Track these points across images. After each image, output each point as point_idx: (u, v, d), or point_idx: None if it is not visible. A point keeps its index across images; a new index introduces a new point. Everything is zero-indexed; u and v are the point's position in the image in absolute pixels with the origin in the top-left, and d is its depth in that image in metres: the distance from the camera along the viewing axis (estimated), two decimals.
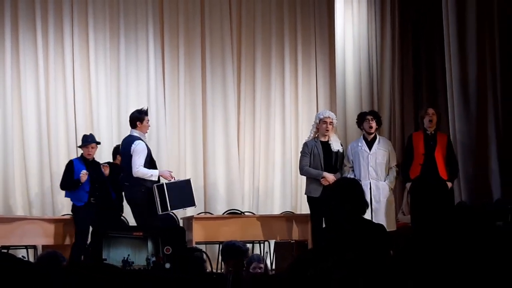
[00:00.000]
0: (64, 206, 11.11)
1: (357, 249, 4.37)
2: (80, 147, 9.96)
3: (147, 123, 9.43)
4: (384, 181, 9.61)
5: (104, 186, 9.72)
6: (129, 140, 9.30)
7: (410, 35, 12.01)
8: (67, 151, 11.34)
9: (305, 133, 11.54)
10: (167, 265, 4.77)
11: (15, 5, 11.33)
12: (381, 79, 12.35)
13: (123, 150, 9.40)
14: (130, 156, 9.14)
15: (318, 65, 12.48)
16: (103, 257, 4.76)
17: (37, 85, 11.31)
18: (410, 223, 8.73)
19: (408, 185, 9.54)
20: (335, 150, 9.67)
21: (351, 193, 4.99)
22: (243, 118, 12.19)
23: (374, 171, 9.59)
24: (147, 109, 9.64)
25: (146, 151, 9.21)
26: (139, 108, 9.55)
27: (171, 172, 9.46)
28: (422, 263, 4.10)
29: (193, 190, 9.49)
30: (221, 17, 12.09)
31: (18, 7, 11.33)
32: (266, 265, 6.88)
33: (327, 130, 9.66)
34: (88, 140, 9.80)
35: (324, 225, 9.50)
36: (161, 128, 11.74)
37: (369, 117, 9.68)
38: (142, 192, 9.12)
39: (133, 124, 9.36)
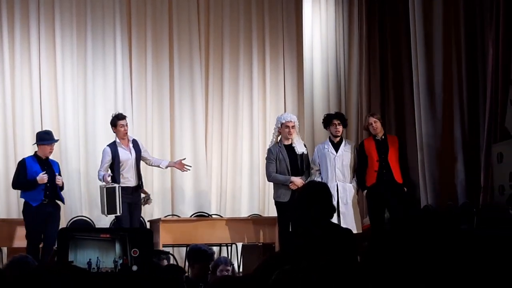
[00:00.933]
0: None
1: (326, 255, 4.39)
2: (38, 144, 9.55)
3: (121, 127, 9.62)
4: (350, 183, 9.66)
5: (54, 186, 9.46)
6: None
7: (377, 37, 12.04)
8: (32, 151, 11.02)
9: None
10: (134, 268, 4.68)
11: None
12: (348, 81, 12.42)
13: None
14: None
15: (286, 67, 12.48)
16: (70, 260, 4.70)
17: (3, 87, 11.20)
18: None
19: (365, 192, 9.60)
20: (299, 153, 9.66)
21: (319, 197, 4.98)
22: (211, 121, 12.16)
23: (341, 173, 9.63)
24: (119, 113, 9.85)
25: (106, 156, 9.61)
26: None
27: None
28: (384, 268, 4.09)
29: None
30: (189, 19, 12.04)
31: None
32: (233, 267, 6.97)
33: (290, 134, 9.64)
34: (51, 139, 9.55)
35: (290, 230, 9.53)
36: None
37: (336, 122, 9.69)
38: None
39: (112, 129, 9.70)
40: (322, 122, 9.95)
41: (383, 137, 9.67)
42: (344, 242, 4.85)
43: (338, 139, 9.75)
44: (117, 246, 4.72)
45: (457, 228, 7.49)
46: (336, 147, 9.72)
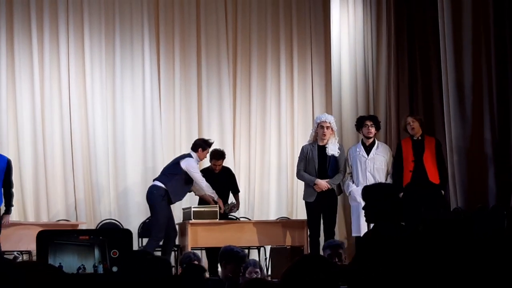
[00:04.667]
0: (59, 211, 11.14)
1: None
2: None
3: (207, 154, 10.24)
4: None
5: None
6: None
7: (405, 38, 11.95)
8: (62, 156, 11.33)
9: (301, 138, 11.65)
10: (114, 269, 4.74)
11: (10, 12, 11.30)
12: (376, 84, 12.27)
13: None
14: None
15: (314, 68, 12.48)
16: (52, 264, 4.64)
17: (32, 91, 11.28)
18: None
19: (401, 195, 9.47)
20: (329, 154, 9.68)
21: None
22: (239, 124, 12.19)
23: (372, 177, 9.64)
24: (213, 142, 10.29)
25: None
26: (207, 138, 10.41)
27: None
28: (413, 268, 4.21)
29: None
30: (217, 25, 12.09)
31: (13, 13, 11.29)
32: (262, 270, 6.89)
33: (324, 135, 9.68)
34: None
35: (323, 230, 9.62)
36: (157, 133, 11.74)
37: (369, 123, 9.69)
38: None
39: (194, 148, 10.18)
40: (355, 125, 10.00)
41: (420, 137, 9.65)
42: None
43: (370, 141, 9.75)
44: (96, 251, 4.77)
45: (485, 232, 7.97)
46: (368, 150, 9.72)
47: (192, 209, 9.96)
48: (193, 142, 10.31)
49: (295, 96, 12.39)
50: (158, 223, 9.84)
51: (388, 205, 4.87)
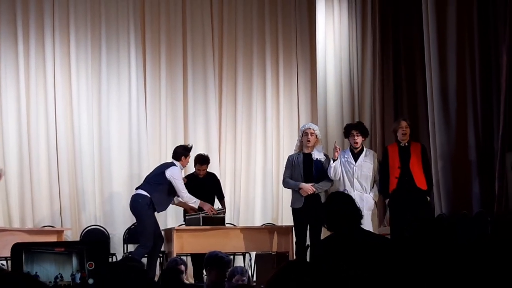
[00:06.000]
0: (44, 217, 11.11)
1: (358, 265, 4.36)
2: None
3: (189, 159, 10.06)
4: (369, 193, 9.61)
5: None
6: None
7: (390, 44, 11.93)
8: (47, 161, 11.28)
9: (287, 144, 11.69)
10: (90, 281, 4.75)
11: None
12: (361, 90, 12.31)
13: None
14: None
15: (299, 77, 12.49)
16: (27, 273, 4.66)
17: (18, 97, 11.22)
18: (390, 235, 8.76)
19: (387, 201, 9.58)
20: (315, 159, 9.70)
21: (344, 206, 5.06)
22: (225, 130, 12.18)
23: (359, 183, 9.61)
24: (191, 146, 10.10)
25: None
26: (186, 144, 10.24)
27: None
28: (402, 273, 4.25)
29: None
30: (203, 32, 12.08)
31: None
32: (249, 277, 6.94)
33: (308, 141, 9.68)
34: None
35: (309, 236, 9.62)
36: (142, 139, 11.71)
37: (354, 132, 9.66)
38: None
39: (176, 157, 9.95)
40: (343, 132, 9.97)
41: (406, 143, 9.58)
42: (378, 252, 4.80)
43: (359, 148, 9.73)
44: (74, 259, 4.76)
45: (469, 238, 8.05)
46: (356, 156, 9.70)
47: (201, 216, 9.94)
48: (173, 151, 10.19)
49: (280, 102, 12.41)
50: (146, 231, 9.75)
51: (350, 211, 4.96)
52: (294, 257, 9.74)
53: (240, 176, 12.10)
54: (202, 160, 10.53)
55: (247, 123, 12.25)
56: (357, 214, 5.02)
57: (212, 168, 10.95)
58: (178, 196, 9.99)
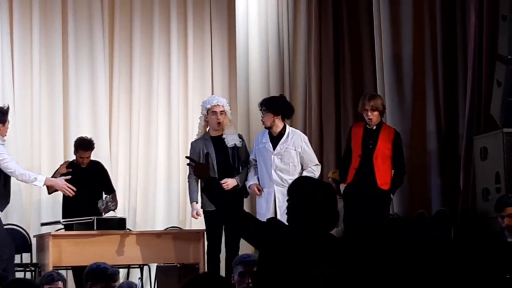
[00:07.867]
0: None
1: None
2: None
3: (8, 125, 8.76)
4: None
5: None
6: None
7: (330, 3, 11.25)
8: None
9: (196, 128, 10.33)
10: None
11: None
12: (293, 59, 11.68)
13: None
14: None
15: (213, 37, 11.39)
16: None
17: None
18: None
19: (342, 186, 8.65)
20: (230, 146, 8.49)
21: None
22: (117, 106, 10.97)
23: (278, 176, 8.37)
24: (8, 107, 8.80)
25: None
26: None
27: None
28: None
29: None
30: None
31: None
32: None
33: (219, 123, 8.46)
34: None
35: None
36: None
37: (261, 109, 8.49)
38: None
39: None
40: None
41: (375, 127, 8.45)
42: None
43: (278, 131, 8.37)
44: None
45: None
46: (276, 141, 8.37)
47: (95, 219, 8.96)
48: None
49: (189, 71, 11.27)
50: None
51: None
52: (206, 269, 8.75)
53: (137, 166, 10.96)
54: (85, 145, 9.46)
55: (146, 98, 11.11)
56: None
57: (98, 155, 9.91)
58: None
